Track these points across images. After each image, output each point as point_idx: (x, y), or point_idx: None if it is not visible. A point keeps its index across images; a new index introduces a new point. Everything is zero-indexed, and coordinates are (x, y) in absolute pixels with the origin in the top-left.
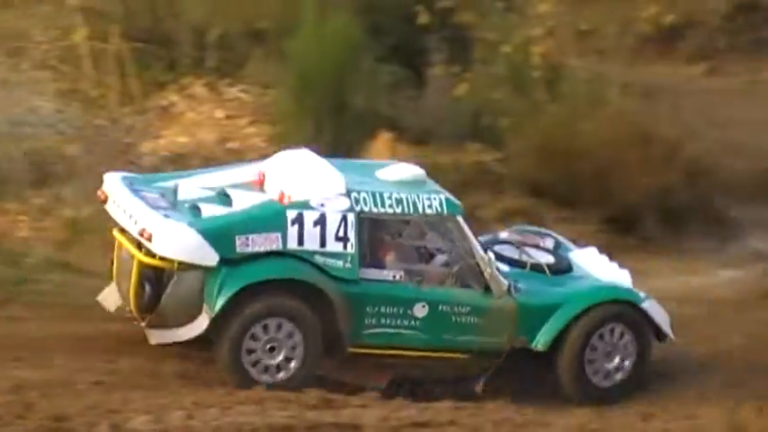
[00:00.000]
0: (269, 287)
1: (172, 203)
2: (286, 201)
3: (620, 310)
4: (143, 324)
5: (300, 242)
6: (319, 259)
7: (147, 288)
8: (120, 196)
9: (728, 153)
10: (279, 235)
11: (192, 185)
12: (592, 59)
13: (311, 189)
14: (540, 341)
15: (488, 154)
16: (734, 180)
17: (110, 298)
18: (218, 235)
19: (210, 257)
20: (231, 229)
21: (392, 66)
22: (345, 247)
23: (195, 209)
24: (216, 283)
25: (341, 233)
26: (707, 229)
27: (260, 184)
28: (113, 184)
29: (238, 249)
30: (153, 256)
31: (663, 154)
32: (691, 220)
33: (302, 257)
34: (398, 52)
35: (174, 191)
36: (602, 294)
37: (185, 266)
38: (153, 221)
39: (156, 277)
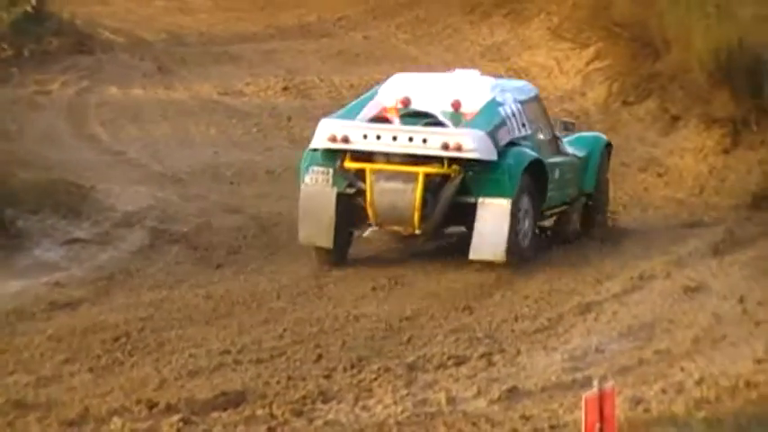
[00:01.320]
0: (525, 169)
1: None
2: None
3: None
4: (417, 232)
5: (515, 131)
6: (527, 143)
7: (429, 197)
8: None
9: (15, 164)
10: (507, 128)
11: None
12: None
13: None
14: (587, 185)
15: None
16: (21, 191)
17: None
18: (492, 136)
19: (495, 154)
20: (493, 130)
21: None
22: (529, 129)
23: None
24: (504, 170)
25: (523, 120)
26: None
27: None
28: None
29: (500, 144)
30: (442, 165)
31: None
32: None
33: (521, 143)
34: None
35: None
36: (602, 140)
37: (460, 169)
38: (457, 133)
39: (437, 185)
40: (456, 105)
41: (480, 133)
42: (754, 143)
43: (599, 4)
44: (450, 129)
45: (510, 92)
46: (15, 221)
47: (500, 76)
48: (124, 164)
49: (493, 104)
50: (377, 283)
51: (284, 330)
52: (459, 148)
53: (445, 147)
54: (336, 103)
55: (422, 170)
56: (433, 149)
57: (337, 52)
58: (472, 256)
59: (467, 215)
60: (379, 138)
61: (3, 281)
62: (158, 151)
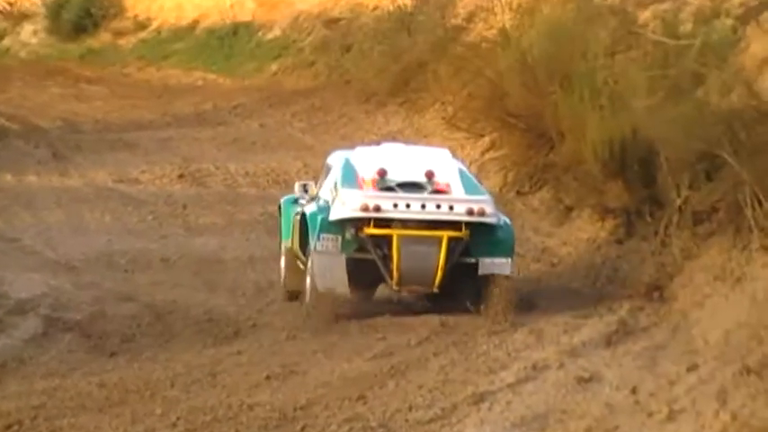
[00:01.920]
0: None
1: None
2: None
3: None
4: (435, 290)
5: None
6: None
7: (449, 261)
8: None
9: None
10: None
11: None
12: None
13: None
14: None
15: None
16: None
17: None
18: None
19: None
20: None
21: None
22: None
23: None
24: (506, 232)
25: None
26: None
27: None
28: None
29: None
30: (459, 230)
31: None
32: None
33: None
34: None
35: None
36: None
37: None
38: (476, 200)
39: (453, 248)
40: (429, 175)
41: (492, 199)
42: (648, 233)
43: (494, 95)
44: (466, 195)
45: (458, 162)
46: None
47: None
48: (18, 251)
49: (464, 174)
50: (270, 371)
51: (178, 419)
52: (482, 213)
53: (470, 212)
54: (232, 191)
55: (446, 234)
56: (460, 215)
57: (233, 140)
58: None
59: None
60: (408, 206)
61: None
62: (52, 238)
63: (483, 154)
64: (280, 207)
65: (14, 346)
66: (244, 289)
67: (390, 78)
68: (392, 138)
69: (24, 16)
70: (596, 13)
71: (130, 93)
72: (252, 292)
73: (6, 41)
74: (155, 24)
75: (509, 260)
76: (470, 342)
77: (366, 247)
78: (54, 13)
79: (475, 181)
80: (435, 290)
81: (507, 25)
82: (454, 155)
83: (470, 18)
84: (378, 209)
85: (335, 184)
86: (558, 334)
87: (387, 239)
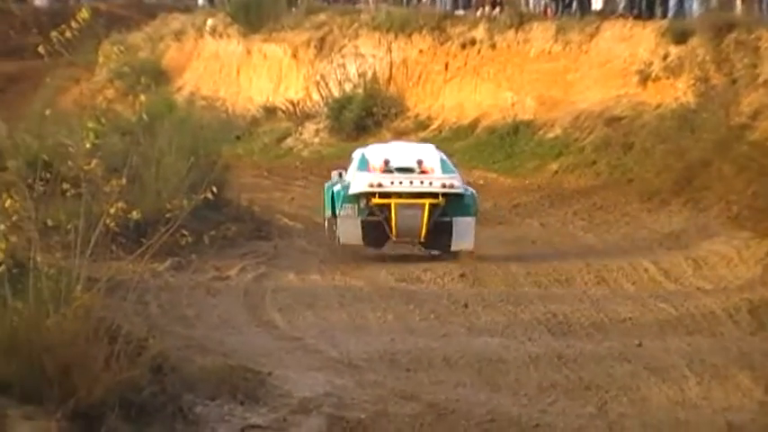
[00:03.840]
0: None
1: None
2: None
3: None
4: (420, 243)
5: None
6: None
7: (431, 220)
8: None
9: (193, 350)
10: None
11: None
12: (58, 255)
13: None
14: None
15: None
16: (199, 377)
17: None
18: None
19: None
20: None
21: None
22: None
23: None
24: (470, 199)
25: None
26: (172, 426)
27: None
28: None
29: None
30: (437, 198)
31: (128, 350)
32: (156, 417)
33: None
34: None
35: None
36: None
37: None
38: (447, 177)
39: (432, 210)
40: (420, 162)
41: (459, 176)
42: None
43: None
44: (443, 174)
45: (440, 153)
46: (193, 407)
47: None
48: (300, 350)
49: (444, 161)
50: None
51: None
52: (452, 186)
53: (443, 186)
54: (513, 290)
55: (428, 201)
56: (437, 188)
57: (513, 239)
58: (454, 248)
59: (442, 230)
60: (401, 183)
61: None
62: (335, 337)
63: None
64: (324, 191)
65: None
66: (526, 389)
67: (673, 177)
68: (675, 237)
69: (307, 116)
70: None
71: None
72: (534, 392)
73: (289, 141)
74: (436, 123)
75: (473, 218)
76: None
77: (374, 212)
78: (336, 113)
79: (451, 166)
80: (422, 240)
81: None
82: (437, 148)
83: (755, 116)
84: (380, 185)
85: (355, 169)
86: None
87: (388, 206)
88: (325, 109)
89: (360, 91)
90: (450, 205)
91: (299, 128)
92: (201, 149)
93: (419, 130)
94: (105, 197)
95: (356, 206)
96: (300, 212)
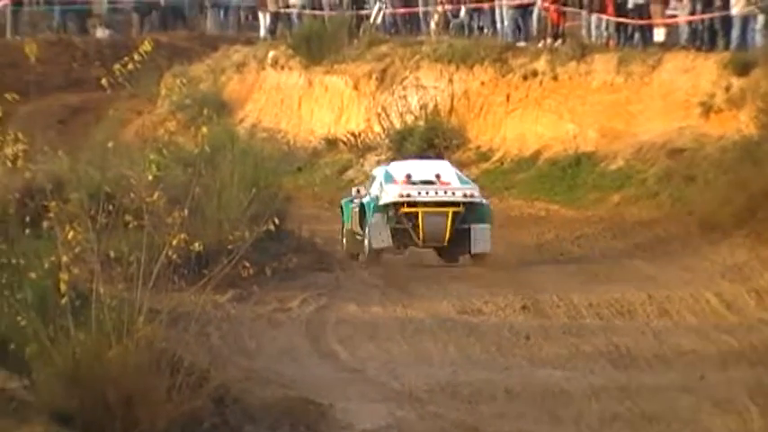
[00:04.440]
0: None
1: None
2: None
3: None
4: (442, 249)
5: None
6: None
7: (453, 226)
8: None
9: (254, 381)
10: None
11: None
12: (120, 286)
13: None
14: None
15: (14, 381)
16: (260, 408)
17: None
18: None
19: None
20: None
21: None
22: None
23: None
24: (487, 209)
25: None
26: None
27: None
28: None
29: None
30: (459, 206)
31: (190, 381)
32: None
33: None
34: None
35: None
36: None
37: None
38: (467, 188)
39: (455, 218)
40: (438, 176)
41: (478, 187)
42: None
43: None
44: (463, 185)
45: (455, 168)
46: None
47: None
48: (361, 381)
49: (459, 175)
50: None
51: None
52: (472, 196)
53: (464, 195)
54: (575, 322)
55: (451, 210)
56: (459, 197)
57: (575, 270)
58: (473, 251)
59: (462, 237)
60: (427, 193)
61: None
62: (396, 369)
63: None
64: (341, 206)
65: None
66: (588, 421)
67: (735, 209)
68: (737, 269)
69: (368, 148)
70: None
71: None
72: (596, 424)
73: (350, 173)
74: (497, 155)
75: (489, 226)
76: None
77: (402, 220)
78: (397, 145)
79: (465, 178)
80: (445, 244)
81: None
82: (452, 164)
83: None
84: (409, 195)
85: (381, 183)
86: None
87: (415, 214)
88: (387, 141)
89: (421, 123)
90: (468, 214)
91: (361, 159)
92: (263, 181)
93: (480, 161)
94: (167, 229)
95: (385, 215)
96: None
